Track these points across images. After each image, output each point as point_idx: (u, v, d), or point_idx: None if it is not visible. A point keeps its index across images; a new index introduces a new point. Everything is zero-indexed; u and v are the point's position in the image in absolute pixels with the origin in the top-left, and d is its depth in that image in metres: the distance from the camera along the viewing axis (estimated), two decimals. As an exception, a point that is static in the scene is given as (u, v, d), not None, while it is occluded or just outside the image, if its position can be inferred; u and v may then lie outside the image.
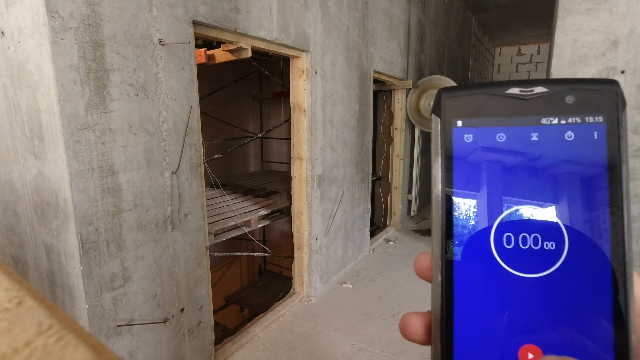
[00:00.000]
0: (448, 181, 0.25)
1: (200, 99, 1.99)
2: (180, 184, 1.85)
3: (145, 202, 1.69)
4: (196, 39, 1.87)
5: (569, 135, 0.23)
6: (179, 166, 1.82)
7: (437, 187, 0.25)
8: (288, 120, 2.98)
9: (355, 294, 3.16)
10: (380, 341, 2.51)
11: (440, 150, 0.25)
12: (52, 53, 1.33)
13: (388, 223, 4.88)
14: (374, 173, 4.56)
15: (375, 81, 3.89)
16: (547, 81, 0.24)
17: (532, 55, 10.53)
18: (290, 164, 2.93)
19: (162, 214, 1.78)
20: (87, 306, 1.52)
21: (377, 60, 3.72)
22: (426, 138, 5.03)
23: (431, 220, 0.25)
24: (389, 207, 4.86)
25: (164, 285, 1.83)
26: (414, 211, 5.05)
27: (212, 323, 2.18)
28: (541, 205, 0.24)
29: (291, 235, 3.03)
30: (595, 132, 0.23)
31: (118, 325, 1.64)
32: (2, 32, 1.49)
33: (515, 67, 10.78)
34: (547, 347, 0.23)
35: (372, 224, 4.60)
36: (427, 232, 4.70)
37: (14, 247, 1.86)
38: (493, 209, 0.24)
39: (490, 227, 0.24)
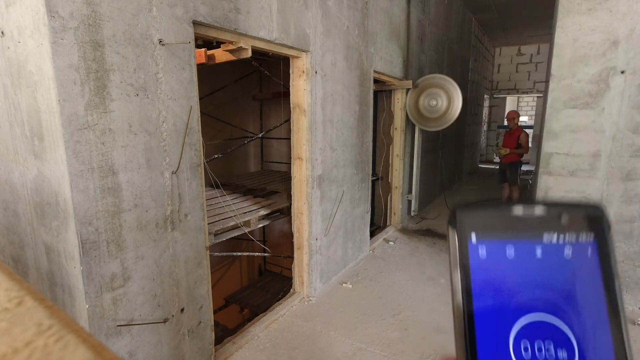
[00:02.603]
0: (467, 292, 0.27)
1: (200, 99, 1.99)
2: (180, 184, 1.85)
3: (145, 202, 1.69)
4: (196, 39, 1.87)
5: (567, 250, 0.27)
6: (179, 166, 1.82)
7: (458, 297, 0.27)
8: (288, 120, 2.98)
9: (355, 294, 3.16)
10: (380, 341, 2.51)
11: (458, 262, 0.28)
12: (52, 53, 1.33)
13: (388, 223, 4.88)
14: (374, 173, 4.56)
15: (375, 81, 3.89)
16: (546, 203, 0.28)
17: (532, 55, 10.53)
18: (290, 164, 2.93)
19: (162, 214, 1.78)
20: (87, 306, 1.52)
21: (377, 60, 3.71)
22: (426, 138, 5.03)
23: (453, 328, 0.28)
24: (389, 207, 4.86)
25: (164, 285, 1.83)
26: (414, 211, 5.06)
27: (212, 323, 2.18)
28: (550, 317, 0.27)
29: (291, 235, 3.03)
30: (589, 249, 0.27)
31: (118, 325, 1.64)
32: (2, 32, 1.49)
33: (515, 67, 10.78)
34: None
35: (372, 224, 4.60)
36: (427, 232, 4.70)
37: (14, 247, 1.86)
38: (507, 320, 0.27)
39: (507, 338, 0.27)
